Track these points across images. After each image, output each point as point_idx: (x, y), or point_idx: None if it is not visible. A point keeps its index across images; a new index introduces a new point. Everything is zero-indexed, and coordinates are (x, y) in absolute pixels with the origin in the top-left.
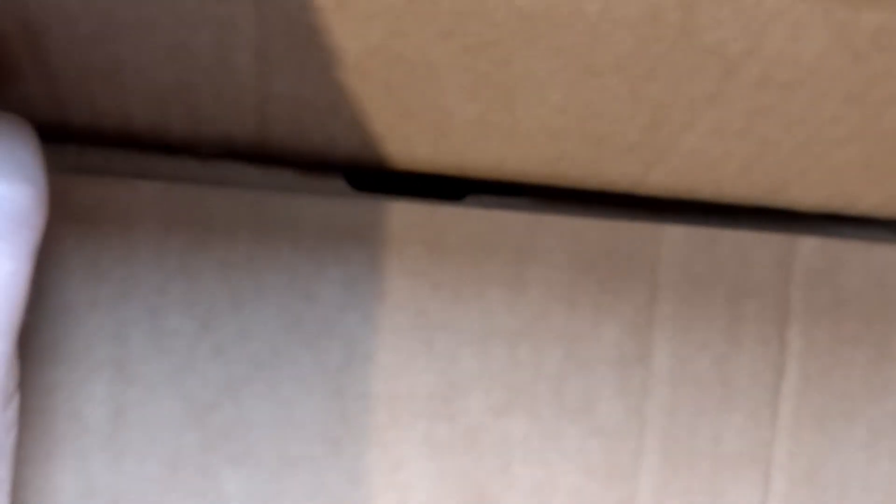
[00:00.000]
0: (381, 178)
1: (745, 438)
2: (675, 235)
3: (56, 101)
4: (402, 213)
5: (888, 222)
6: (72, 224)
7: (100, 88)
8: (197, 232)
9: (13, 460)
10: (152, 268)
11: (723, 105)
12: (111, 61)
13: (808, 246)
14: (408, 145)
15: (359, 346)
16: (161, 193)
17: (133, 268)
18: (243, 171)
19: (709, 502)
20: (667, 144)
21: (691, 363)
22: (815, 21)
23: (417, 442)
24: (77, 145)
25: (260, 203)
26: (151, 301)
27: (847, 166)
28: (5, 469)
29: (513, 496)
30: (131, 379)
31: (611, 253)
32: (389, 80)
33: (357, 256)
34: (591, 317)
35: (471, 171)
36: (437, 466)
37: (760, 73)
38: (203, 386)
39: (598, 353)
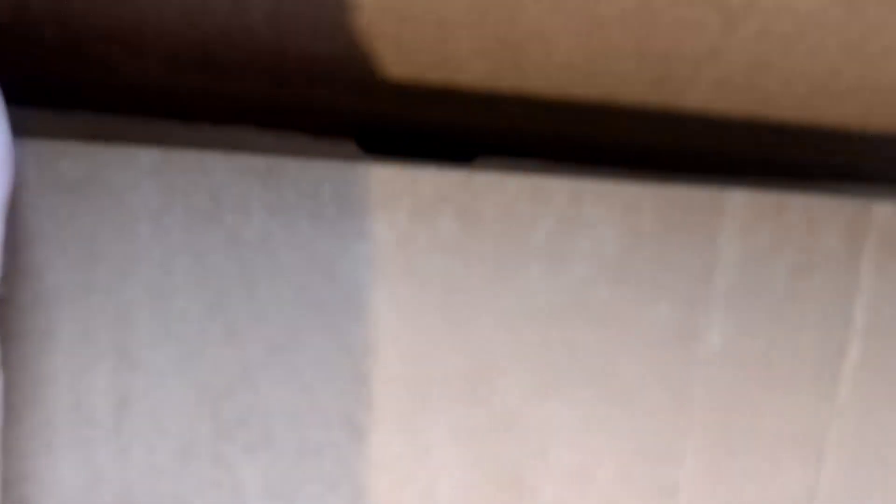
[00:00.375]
0: (392, 141)
1: (799, 420)
2: (738, 202)
3: (74, 65)
4: (433, 182)
5: None
6: (62, 197)
7: (118, 52)
8: (203, 204)
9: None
10: (154, 245)
11: (724, 60)
12: (131, 23)
13: (884, 213)
14: (419, 104)
15: (385, 328)
16: (161, 161)
17: (132, 245)
18: (255, 134)
19: (757, 485)
20: (672, 101)
21: (747, 342)
22: None
23: (447, 427)
24: (90, 111)
25: (273, 171)
26: (155, 281)
27: (852, 124)
28: None
29: (550, 482)
30: (136, 366)
31: (667, 223)
32: (401, 37)
33: (382, 231)
34: (640, 293)
35: (482, 129)
36: (468, 452)
37: (760, 25)
38: (216, 372)
39: (647, 334)
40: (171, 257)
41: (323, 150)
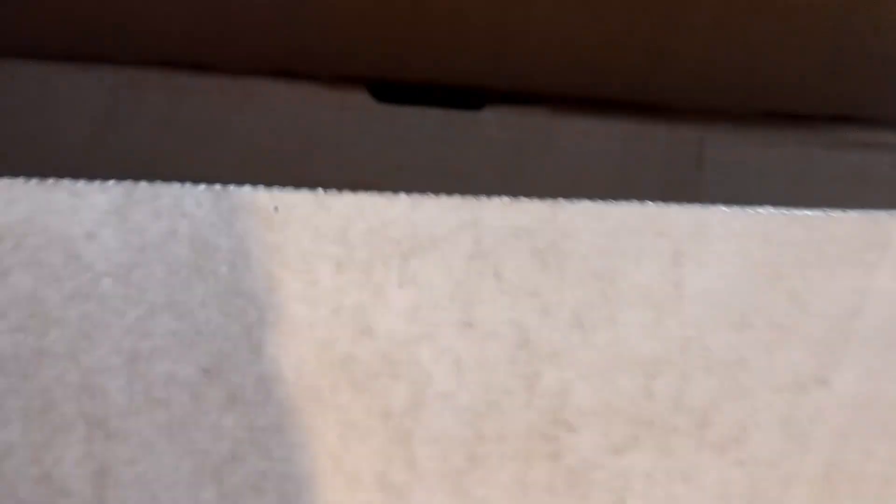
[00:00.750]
0: (403, 90)
1: None
2: None
3: (93, 20)
4: (506, 214)
5: None
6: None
7: (138, 7)
8: (186, 253)
9: None
10: (124, 304)
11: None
12: None
13: None
14: (428, 53)
15: (432, 386)
16: (123, 202)
17: (95, 304)
18: (271, 86)
19: None
20: (674, 47)
21: (887, 383)
22: None
23: (504, 486)
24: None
25: (281, 208)
26: (128, 345)
27: (846, 69)
28: None
29: None
30: (115, 435)
31: (819, 250)
32: None
33: (432, 273)
34: (766, 336)
35: (489, 79)
36: None
37: None
38: (217, 438)
39: (765, 379)
40: (149, 317)
41: (335, 99)
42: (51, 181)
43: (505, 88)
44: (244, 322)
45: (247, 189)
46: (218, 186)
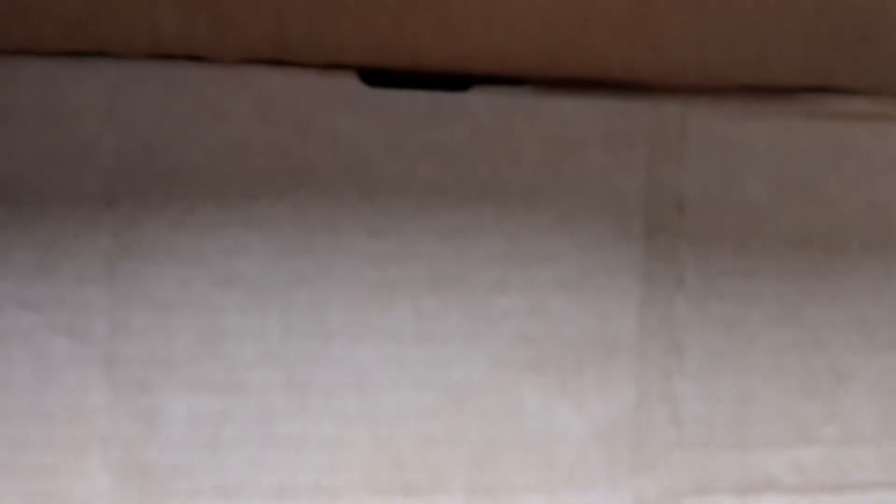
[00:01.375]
0: (392, 75)
1: None
2: None
3: (89, 15)
4: None
5: None
6: None
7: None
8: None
9: None
10: None
11: None
12: None
13: None
14: (414, 40)
15: None
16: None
17: None
18: (264, 73)
19: None
20: (653, 23)
21: None
22: None
23: None
24: (106, 56)
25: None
26: None
27: (823, 39)
28: None
29: None
30: None
31: None
32: None
33: None
34: None
35: (473, 65)
36: None
37: None
38: None
39: None
40: None
41: (325, 85)
42: None
43: (490, 71)
44: None
45: None
46: None
